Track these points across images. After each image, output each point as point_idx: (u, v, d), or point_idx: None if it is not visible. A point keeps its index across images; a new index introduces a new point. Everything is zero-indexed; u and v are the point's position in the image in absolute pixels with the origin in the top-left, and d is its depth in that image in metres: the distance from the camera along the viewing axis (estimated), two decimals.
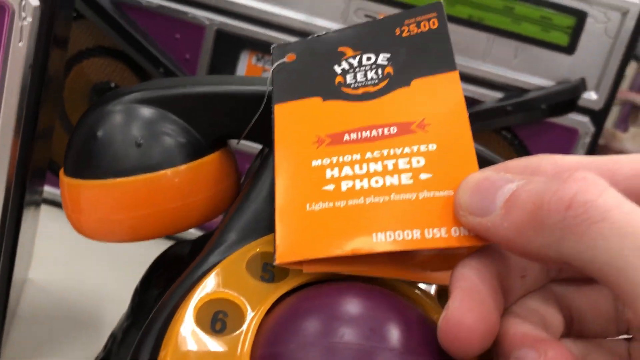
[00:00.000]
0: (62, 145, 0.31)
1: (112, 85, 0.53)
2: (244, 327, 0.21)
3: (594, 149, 0.49)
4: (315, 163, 0.23)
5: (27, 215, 0.34)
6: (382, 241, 0.21)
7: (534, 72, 0.47)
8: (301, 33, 0.48)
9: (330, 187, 0.22)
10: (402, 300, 0.22)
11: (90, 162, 0.27)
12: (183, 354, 0.20)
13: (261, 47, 0.49)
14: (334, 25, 0.48)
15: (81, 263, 0.44)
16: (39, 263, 0.43)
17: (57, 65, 0.34)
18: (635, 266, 0.17)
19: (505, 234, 0.19)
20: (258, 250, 0.24)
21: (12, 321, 0.37)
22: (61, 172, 0.29)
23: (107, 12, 0.49)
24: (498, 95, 0.48)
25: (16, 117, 0.28)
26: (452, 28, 0.46)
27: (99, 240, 0.29)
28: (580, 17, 0.46)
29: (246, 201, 0.26)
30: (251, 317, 0.21)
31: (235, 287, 0.22)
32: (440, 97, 0.23)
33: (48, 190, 0.46)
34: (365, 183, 0.22)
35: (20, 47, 0.28)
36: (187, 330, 0.21)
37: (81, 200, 0.28)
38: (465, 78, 0.48)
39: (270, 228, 0.23)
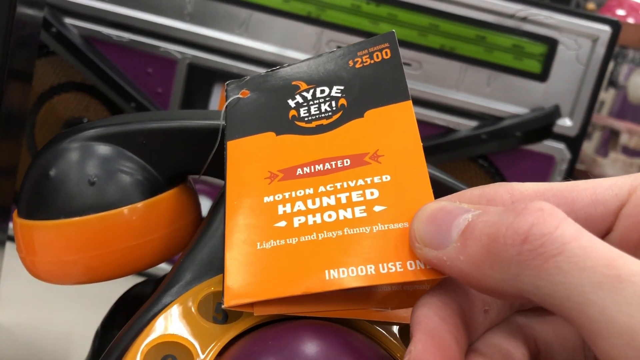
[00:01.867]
0: None
1: (85, 120, 0.52)
2: None
3: (571, 174, 0.49)
4: (267, 199, 0.22)
5: None
6: (334, 279, 0.20)
7: (507, 100, 0.47)
8: (273, 64, 0.48)
9: (282, 223, 0.21)
10: (361, 339, 0.22)
11: (43, 202, 0.26)
12: None
13: (232, 78, 0.49)
14: (306, 57, 0.48)
15: (48, 303, 0.43)
16: (5, 304, 0.42)
17: (18, 99, 0.34)
18: (594, 303, 0.16)
19: (461, 267, 0.18)
20: (211, 289, 0.23)
21: None
22: (14, 215, 0.28)
23: (78, 48, 0.48)
24: (473, 123, 0.48)
25: None
26: (425, 58, 0.47)
27: (55, 283, 0.28)
28: (551, 44, 0.46)
29: (202, 238, 0.25)
30: None
31: (185, 330, 0.21)
32: (394, 127, 0.22)
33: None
34: (318, 218, 0.21)
35: None
36: None
37: (35, 242, 0.27)
38: (440, 107, 0.48)
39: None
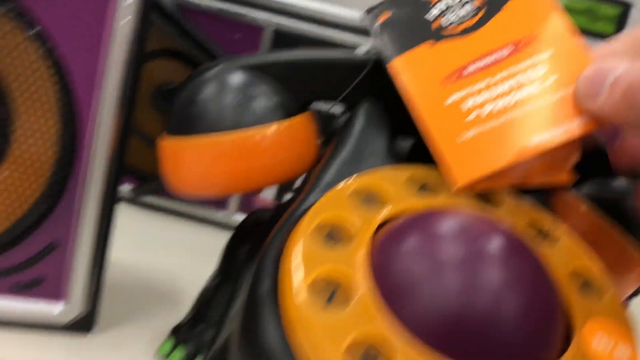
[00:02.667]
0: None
1: (169, 85, 0.55)
2: (356, 241, 0.23)
3: None
4: (449, 101, 0.25)
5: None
6: (536, 144, 0.24)
7: None
8: (357, 30, 0.50)
9: (472, 116, 0.25)
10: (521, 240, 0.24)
11: (193, 120, 0.29)
12: (308, 256, 0.22)
13: (317, 45, 0.51)
14: None
15: (156, 251, 0.47)
16: (119, 249, 0.45)
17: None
18: None
19: (608, 111, 0.24)
20: (357, 183, 0.25)
21: (103, 288, 0.39)
22: (162, 139, 0.31)
23: (172, 15, 0.52)
24: None
25: (119, 89, 0.31)
26: None
27: (193, 195, 0.31)
28: (624, 7, 0.48)
29: (340, 149, 0.28)
30: (360, 234, 0.23)
31: (341, 210, 0.24)
32: (535, 10, 0.26)
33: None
34: (500, 103, 0.25)
35: (123, 25, 0.30)
36: (307, 244, 0.23)
37: (183, 157, 0.30)
38: None
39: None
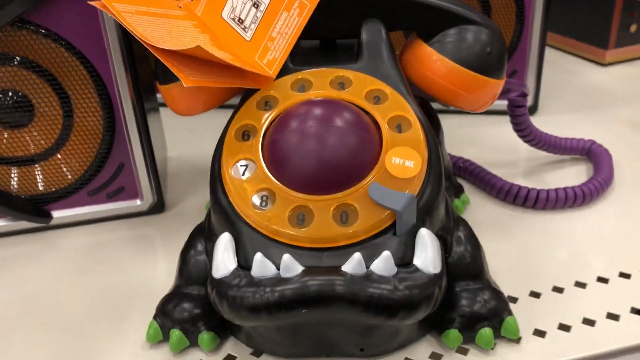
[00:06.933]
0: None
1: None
2: (257, 135, 0.40)
3: None
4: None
5: (152, 117, 0.55)
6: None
7: None
8: None
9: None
10: (349, 106, 0.39)
11: (165, 74, 0.46)
12: (230, 150, 0.40)
13: None
14: None
15: (204, 143, 0.66)
16: (172, 146, 0.65)
17: None
18: None
19: None
20: (259, 95, 0.42)
21: (166, 180, 0.59)
22: (157, 84, 0.48)
23: None
24: None
25: (120, 50, 0.48)
26: None
27: (189, 114, 0.48)
28: None
29: None
30: (259, 130, 0.40)
31: (250, 117, 0.41)
32: None
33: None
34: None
35: (113, 38, 0.47)
36: (230, 142, 0.40)
37: (174, 95, 0.47)
38: None
39: None
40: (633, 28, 0.82)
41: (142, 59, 0.53)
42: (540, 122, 0.68)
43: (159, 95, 0.59)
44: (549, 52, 0.90)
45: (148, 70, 0.55)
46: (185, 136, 0.68)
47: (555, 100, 0.75)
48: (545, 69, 0.80)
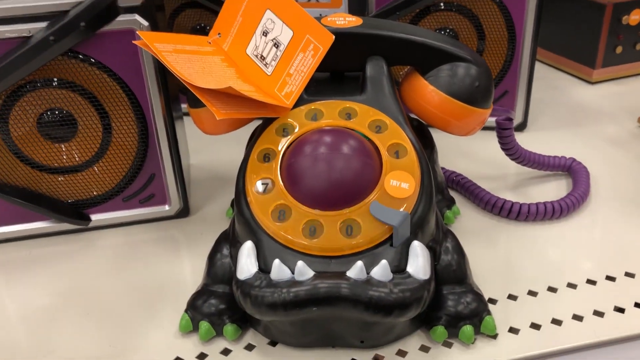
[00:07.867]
0: None
1: (202, 25, 0.78)
2: (276, 158, 0.47)
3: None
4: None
5: (178, 127, 0.61)
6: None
7: None
8: None
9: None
10: (355, 135, 0.46)
11: (195, 100, 0.53)
12: (253, 170, 0.47)
13: None
14: None
15: (223, 151, 0.73)
16: (194, 154, 0.72)
17: (163, 24, 0.60)
18: None
19: None
20: (277, 123, 0.49)
21: (190, 185, 0.66)
22: (188, 107, 0.55)
23: None
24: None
25: (155, 77, 0.55)
26: None
27: (215, 134, 0.55)
28: None
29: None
30: (278, 153, 0.47)
31: (269, 142, 0.48)
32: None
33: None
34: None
35: (148, 61, 0.54)
36: (252, 164, 0.47)
37: (201, 117, 0.54)
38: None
39: None
40: (619, 49, 0.88)
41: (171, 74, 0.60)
42: (529, 138, 0.75)
43: (183, 105, 0.66)
44: (540, 68, 0.96)
45: (176, 82, 0.62)
46: (206, 144, 0.75)
47: (544, 116, 0.82)
48: (535, 85, 0.87)
